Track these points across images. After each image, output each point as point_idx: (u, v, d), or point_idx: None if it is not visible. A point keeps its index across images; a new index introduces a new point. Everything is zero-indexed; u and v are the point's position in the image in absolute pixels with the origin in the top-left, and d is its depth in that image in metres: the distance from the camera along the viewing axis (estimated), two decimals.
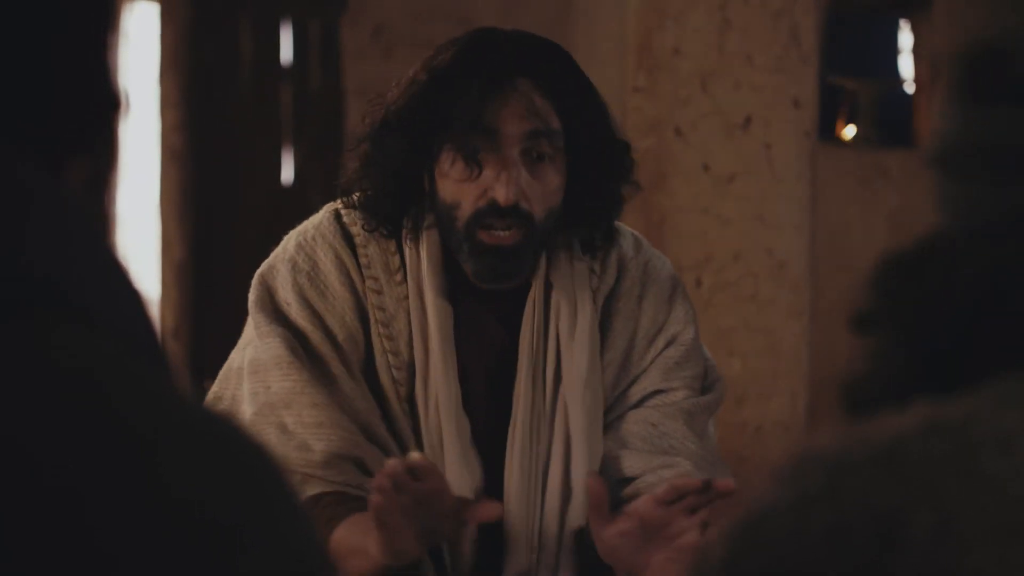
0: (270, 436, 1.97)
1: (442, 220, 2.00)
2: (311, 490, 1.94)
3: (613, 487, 2.04)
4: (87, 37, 0.77)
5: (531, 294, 2.05)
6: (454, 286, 2.03)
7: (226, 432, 0.71)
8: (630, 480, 2.04)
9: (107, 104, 0.79)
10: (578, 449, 2.03)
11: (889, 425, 0.74)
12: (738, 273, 3.68)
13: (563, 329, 2.04)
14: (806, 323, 3.83)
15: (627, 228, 2.16)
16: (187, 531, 0.66)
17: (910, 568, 0.68)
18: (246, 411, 2.01)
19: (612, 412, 2.08)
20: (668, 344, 2.09)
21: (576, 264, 2.06)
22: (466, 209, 1.97)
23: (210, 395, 2.08)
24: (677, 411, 2.07)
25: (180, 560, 0.66)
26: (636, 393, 2.09)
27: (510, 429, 2.03)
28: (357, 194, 2.05)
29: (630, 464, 2.04)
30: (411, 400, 2.02)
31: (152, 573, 0.65)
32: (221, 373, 2.09)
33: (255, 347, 2.02)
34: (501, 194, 1.94)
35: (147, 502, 0.66)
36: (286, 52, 6.41)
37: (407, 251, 2.03)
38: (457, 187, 1.97)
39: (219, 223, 6.32)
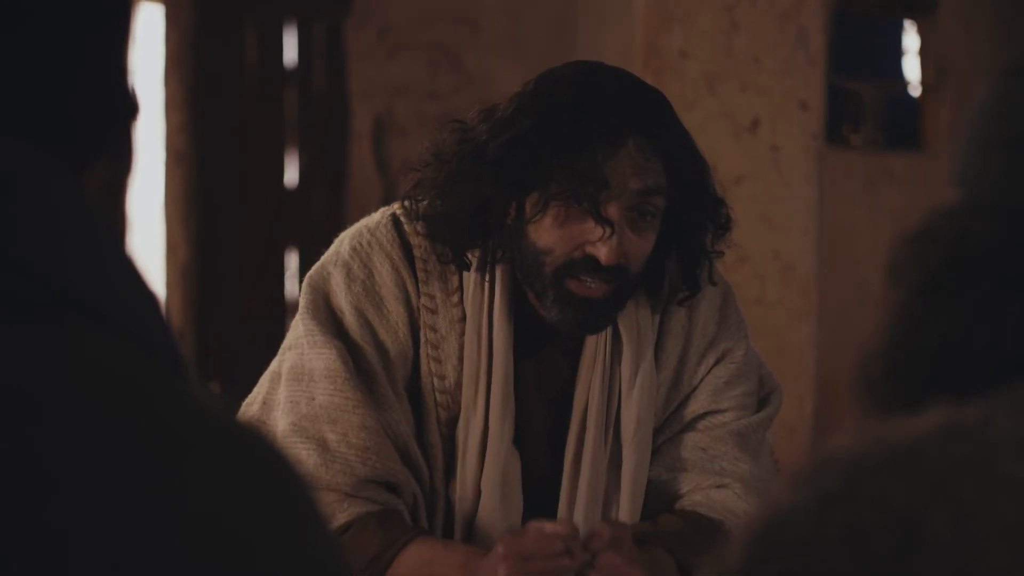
0: (308, 448, 1.92)
1: (526, 262, 1.93)
2: (355, 509, 1.92)
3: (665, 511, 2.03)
4: (109, 43, 0.77)
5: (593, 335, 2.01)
6: (519, 318, 1.99)
7: (247, 440, 0.72)
8: (678, 499, 2.03)
9: (126, 108, 0.79)
10: (624, 501, 2.02)
11: (907, 427, 0.74)
12: (745, 275, 3.68)
13: (625, 378, 2.01)
14: (813, 325, 3.83)
15: None
16: (204, 540, 0.66)
17: (928, 568, 0.68)
18: (280, 418, 1.96)
19: (662, 433, 2.05)
20: (718, 361, 2.06)
21: (642, 311, 2.02)
22: (558, 256, 1.90)
23: (247, 399, 2.03)
24: (727, 434, 2.04)
25: (196, 568, 0.66)
26: (687, 415, 2.05)
27: (568, 469, 2.00)
28: (424, 200, 1.98)
29: (680, 486, 2.03)
30: (450, 424, 1.99)
31: (175, 570, 0.65)
32: (262, 377, 2.04)
33: (301, 354, 1.97)
34: (603, 254, 1.87)
35: (166, 511, 0.66)
36: (290, 54, 6.41)
37: (468, 276, 1.98)
38: (553, 234, 1.90)
39: (223, 225, 6.31)
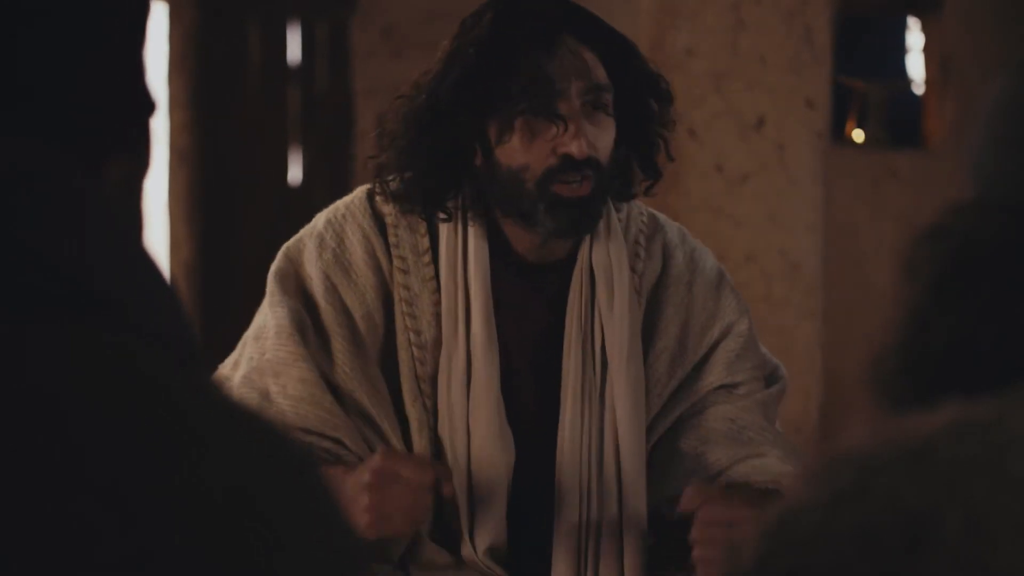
0: (252, 398, 2.00)
1: (505, 188, 2.00)
2: None
3: (699, 480, 2.03)
4: (127, 40, 0.78)
5: (577, 269, 2.06)
6: (495, 265, 2.05)
7: (262, 431, 0.72)
8: (718, 473, 2.04)
9: (139, 107, 0.79)
10: (624, 423, 2.04)
11: (919, 426, 0.74)
12: (751, 274, 3.68)
13: (602, 303, 2.05)
14: (819, 323, 3.83)
15: (671, 220, 2.18)
16: (222, 534, 0.67)
17: (939, 567, 0.68)
18: (237, 375, 2.04)
19: (677, 405, 2.08)
20: (724, 335, 2.10)
21: (612, 237, 2.07)
22: (536, 169, 1.97)
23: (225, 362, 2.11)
24: (752, 403, 2.08)
25: (214, 562, 0.66)
26: (703, 388, 2.09)
27: (562, 406, 2.04)
28: (392, 179, 2.05)
29: (716, 457, 2.05)
30: (431, 380, 2.04)
31: (192, 567, 0.65)
32: (240, 341, 2.12)
33: (263, 314, 2.06)
34: (575, 148, 1.95)
35: (183, 505, 0.66)
36: (294, 53, 6.41)
37: (443, 232, 2.04)
38: (523, 150, 1.97)
39: (227, 223, 6.32)
